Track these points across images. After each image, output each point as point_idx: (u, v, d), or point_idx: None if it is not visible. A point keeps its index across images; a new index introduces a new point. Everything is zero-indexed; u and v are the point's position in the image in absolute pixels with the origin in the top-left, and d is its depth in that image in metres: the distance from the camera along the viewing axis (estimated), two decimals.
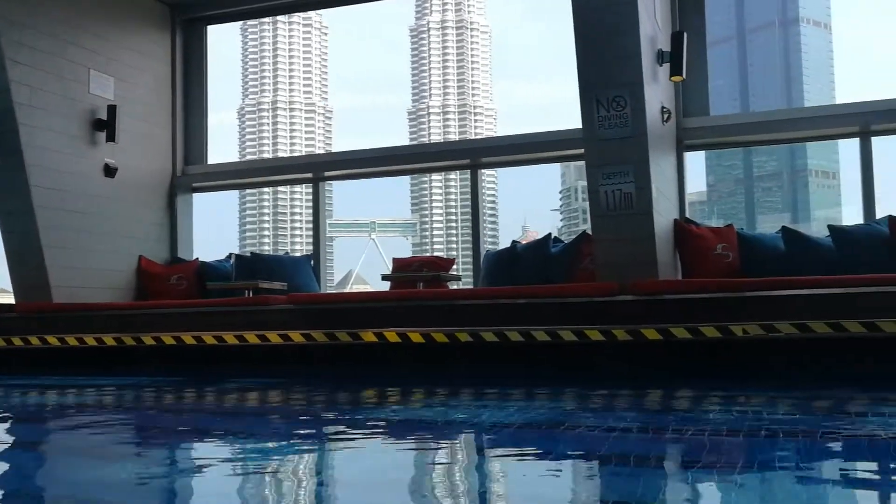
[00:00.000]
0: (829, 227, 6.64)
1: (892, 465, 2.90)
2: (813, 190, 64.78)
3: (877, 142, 7.29)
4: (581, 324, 5.73)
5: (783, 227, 6.81)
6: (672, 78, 6.90)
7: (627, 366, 5.72)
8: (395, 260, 7.95)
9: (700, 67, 7.66)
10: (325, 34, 76.06)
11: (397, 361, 6.20)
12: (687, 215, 7.53)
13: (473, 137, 65.14)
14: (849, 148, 7.44)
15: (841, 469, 2.91)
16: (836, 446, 3.26)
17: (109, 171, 8.09)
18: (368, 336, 6.10)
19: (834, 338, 5.17)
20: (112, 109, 8.06)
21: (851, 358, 5.31)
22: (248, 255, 8.37)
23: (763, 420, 3.91)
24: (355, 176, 9.07)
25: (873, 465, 2.94)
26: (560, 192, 62.59)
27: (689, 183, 7.82)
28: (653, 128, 6.34)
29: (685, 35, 6.88)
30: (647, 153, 6.15)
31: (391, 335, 6.04)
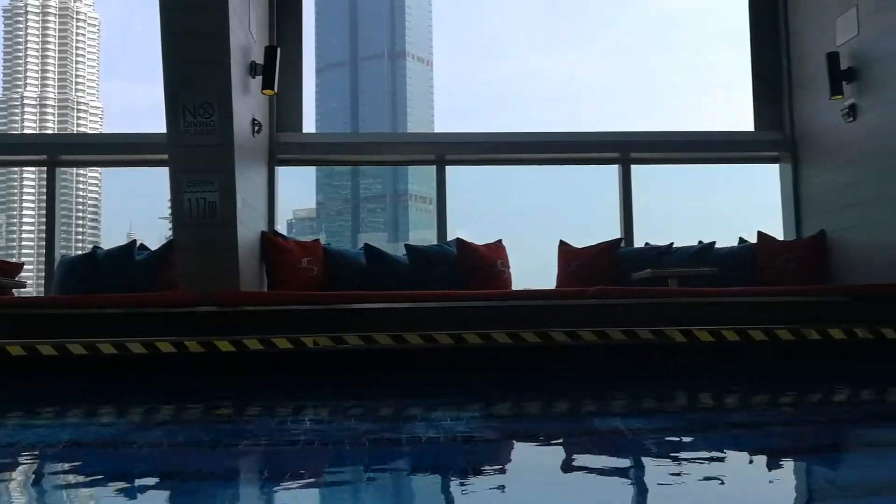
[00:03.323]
0: (406, 246, 7.17)
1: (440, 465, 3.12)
2: (412, 212, 69.92)
3: (450, 170, 8.01)
4: (156, 335, 5.47)
5: (365, 244, 7.20)
6: (263, 91, 6.92)
7: (202, 378, 5.57)
8: None
9: (296, 84, 7.81)
10: None
11: None
12: (291, 231, 7.63)
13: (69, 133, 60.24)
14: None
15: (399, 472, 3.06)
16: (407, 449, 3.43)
17: None
18: None
19: (398, 349, 5.50)
20: None
21: (412, 370, 5.69)
22: None
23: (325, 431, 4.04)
24: None
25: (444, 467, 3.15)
26: (169, 200, 60.37)
27: (300, 199, 7.95)
28: (241, 139, 6.30)
29: (279, 50, 6.95)
30: (234, 163, 6.09)
31: None
